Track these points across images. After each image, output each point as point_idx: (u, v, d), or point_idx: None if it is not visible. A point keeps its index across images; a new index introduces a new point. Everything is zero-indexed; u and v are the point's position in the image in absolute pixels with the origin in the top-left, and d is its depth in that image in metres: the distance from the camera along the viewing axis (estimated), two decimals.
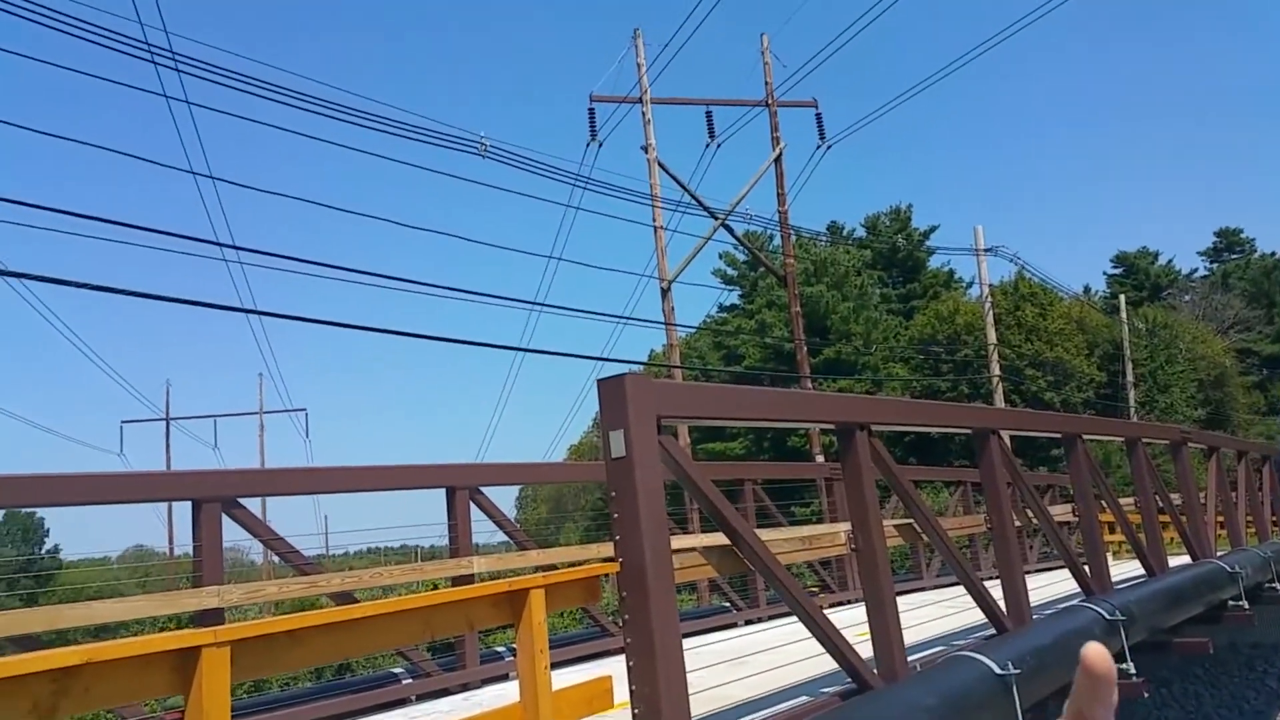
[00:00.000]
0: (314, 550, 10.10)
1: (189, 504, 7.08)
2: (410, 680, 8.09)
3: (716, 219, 22.32)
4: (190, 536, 7.22)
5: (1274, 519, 14.35)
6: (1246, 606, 10.86)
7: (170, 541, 36.05)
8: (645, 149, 21.56)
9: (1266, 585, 12.18)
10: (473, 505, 8.99)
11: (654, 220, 21.37)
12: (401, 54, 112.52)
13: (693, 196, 22.01)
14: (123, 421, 41.90)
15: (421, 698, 7.79)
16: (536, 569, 9.46)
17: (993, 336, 29.27)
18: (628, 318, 23.15)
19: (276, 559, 8.77)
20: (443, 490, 8.76)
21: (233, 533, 7.34)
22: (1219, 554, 11.95)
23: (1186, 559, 11.48)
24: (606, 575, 5.35)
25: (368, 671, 11.32)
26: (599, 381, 4.81)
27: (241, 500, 7.26)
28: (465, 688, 8.02)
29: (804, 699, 5.49)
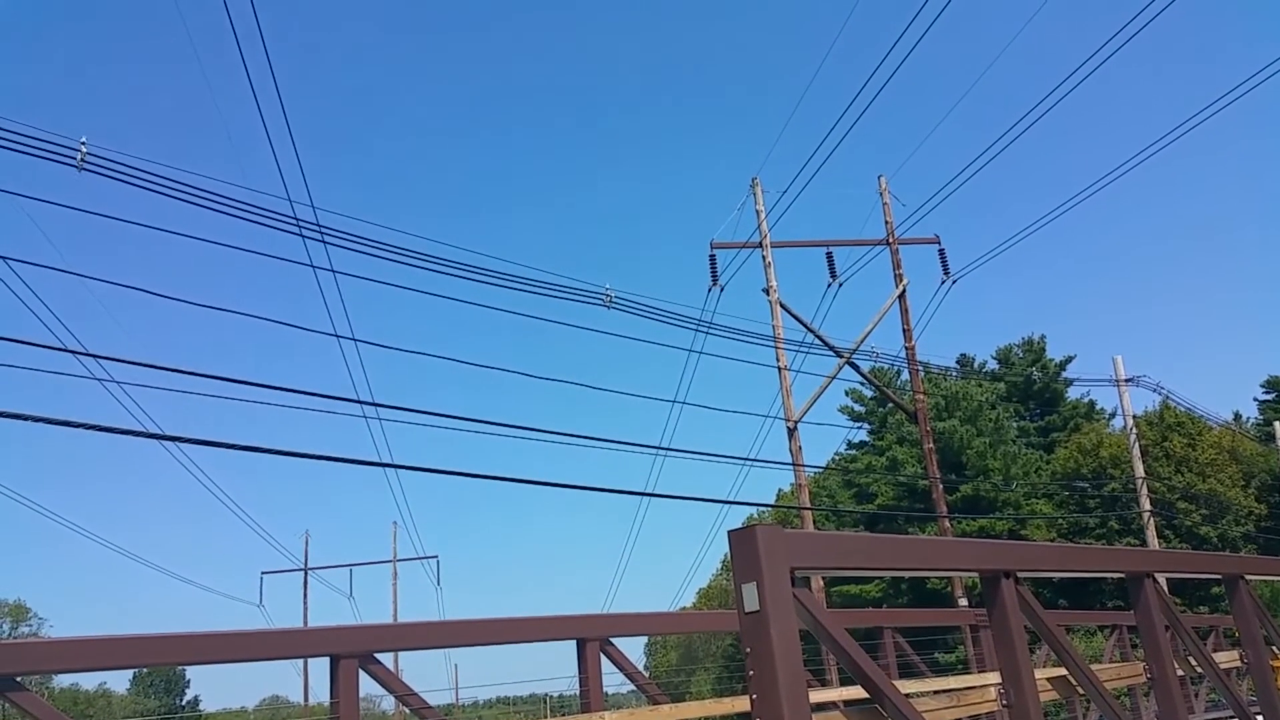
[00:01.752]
0: (444, 699, 10.18)
1: (328, 660, 7.29)
2: None
3: (841, 357, 22.27)
4: (325, 687, 7.40)
5: None
6: None
7: (305, 692, 36.68)
8: (767, 291, 21.92)
9: None
10: (603, 656, 8.92)
11: (778, 361, 21.47)
12: (531, 215, 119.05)
13: (816, 335, 22.11)
14: (263, 572, 43.58)
15: None
16: None
17: (1140, 469, 27.67)
18: (754, 459, 22.99)
19: (408, 710, 8.84)
20: (573, 640, 8.75)
21: (366, 685, 7.48)
22: None
23: None
24: None
25: None
26: (730, 533, 4.81)
27: (377, 655, 7.43)
28: None
29: None
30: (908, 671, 11.73)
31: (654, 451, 17.19)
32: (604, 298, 16.24)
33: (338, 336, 14.10)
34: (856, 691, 6.28)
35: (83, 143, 11.85)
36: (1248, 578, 9.02)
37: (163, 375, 10.46)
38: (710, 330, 19.46)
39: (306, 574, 44.03)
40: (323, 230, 13.58)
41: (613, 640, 9.14)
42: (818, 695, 9.26)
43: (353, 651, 7.19)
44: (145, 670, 64.04)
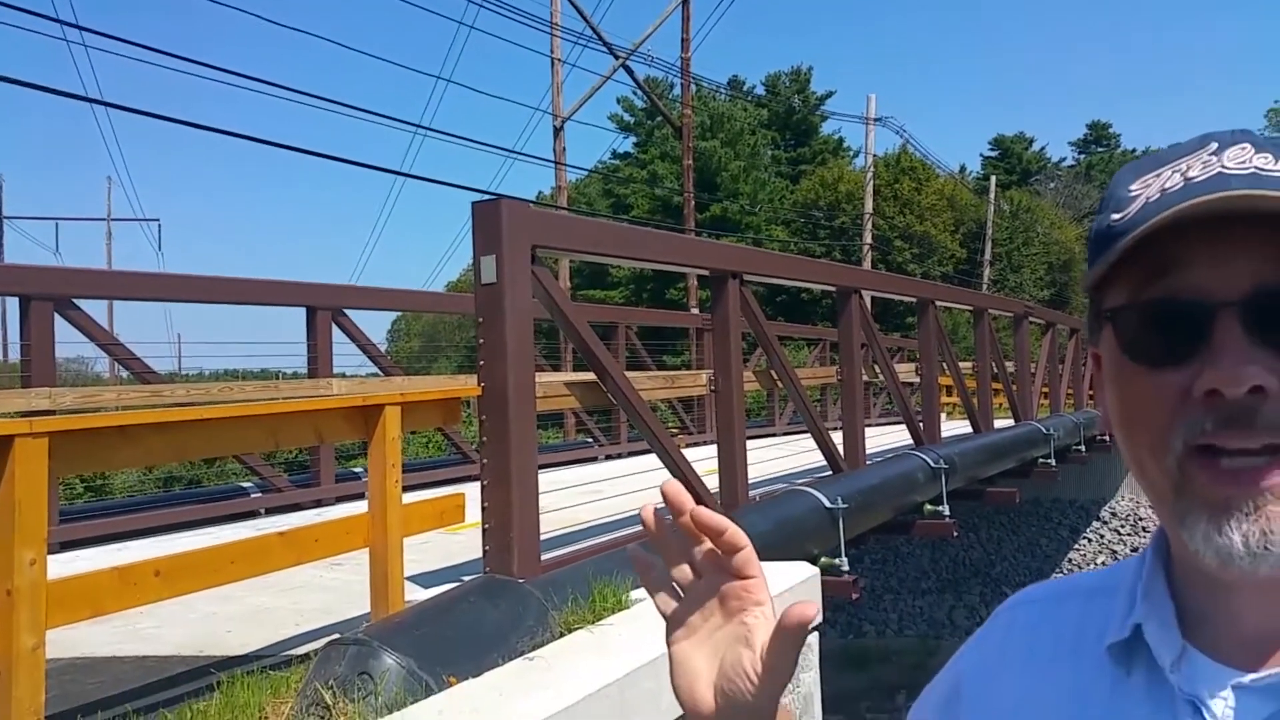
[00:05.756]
0: (165, 368, 9.75)
1: (18, 301, 6.63)
2: (259, 494, 8.02)
3: (617, 58, 21.55)
4: (19, 337, 6.79)
5: (1090, 392, 15.58)
6: (1054, 465, 11.91)
7: (4, 345, 33.97)
8: None
9: (1074, 447, 13.35)
10: (336, 329, 8.77)
11: (552, 51, 20.44)
12: None
13: (594, 30, 21.10)
14: None
15: (271, 512, 7.76)
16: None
17: (870, 206, 29.91)
18: (517, 152, 22.49)
19: (126, 374, 8.39)
20: (303, 310, 8.49)
21: (72, 339, 6.94)
22: (1039, 418, 12.95)
23: (1012, 421, 12.41)
24: (468, 400, 5.33)
25: (217, 484, 11.19)
26: (474, 204, 4.68)
27: (78, 302, 6.84)
28: (319, 504, 8.03)
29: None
30: (637, 365, 12.56)
31: (413, 129, 16.30)
32: None
33: None
34: (586, 377, 6.64)
35: None
36: (937, 303, 10.21)
37: None
38: (484, 4, 18.01)
39: (1, 222, 39.43)
40: None
41: (347, 313, 8.97)
42: (547, 377, 9.72)
43: (48, 293, 6.55)
44: None
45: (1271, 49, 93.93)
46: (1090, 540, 17.36)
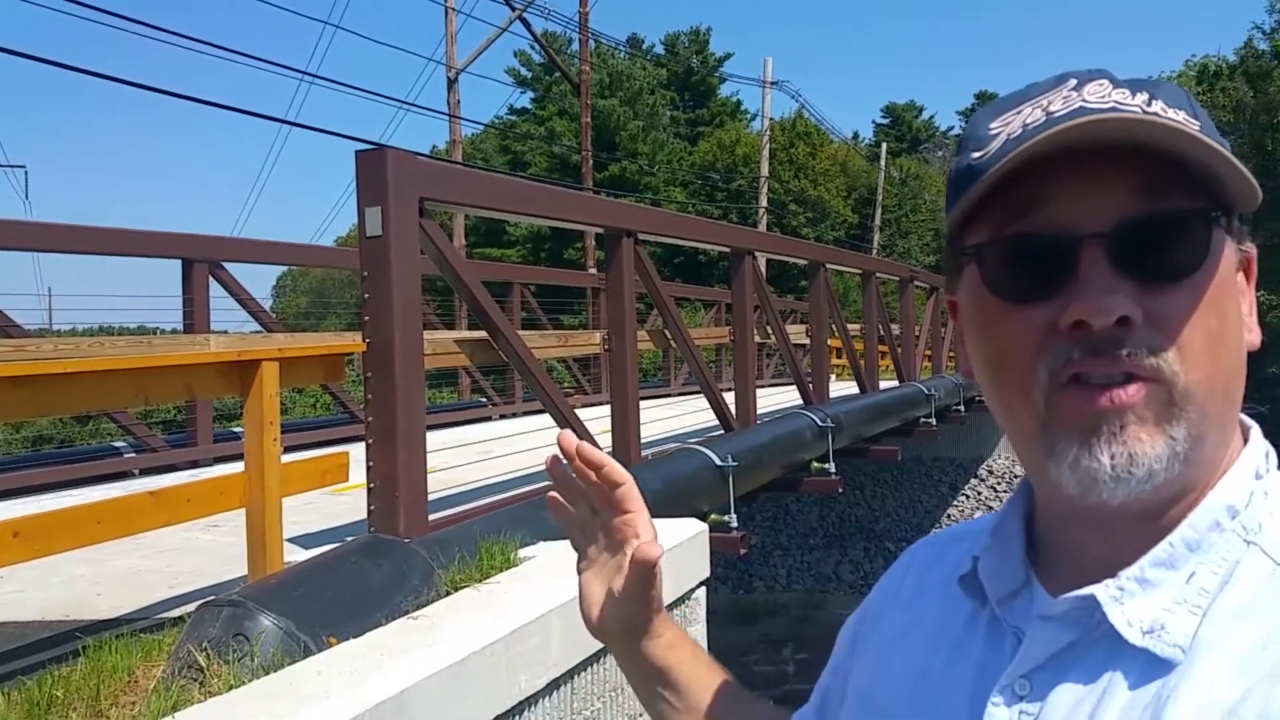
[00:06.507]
0: (34, 322, 9.20)
1: None
2: (133, 454, 7.66)
3: (514, 9, 21.07)
4: None
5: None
6: (934, 424, 12.37)
7: None
8: None
9: (954, 407, 13.89)
10: (214, 283, 8.39)
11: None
12: None
13: None
14: None
15: (146, 473, 7.42)
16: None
17: (766, 170, 30.23)
18: (410, 103, 21.84)
19: None
20: (179, 263, 8.09)
21: None
22: (921, 379, 13.42)
23: (896, 382, 12.83)
24: (351, 357, 5.19)
25: (89, 444, 10.65)
26: (358, 153, 4.51)
27: None
28: (195, 465, 7.72)
29: (544, 483, 5.72)
30: (532, 325, 12.45)
31: (300, 76, 15.61)
32: None
33: None
34: (478, 335, 6.55)
35: None
36: (828, 266, 10.42)
37: None
38: None
39: None
40: None
41: (226, 266, 8.60)
42: (437, 334, 9.55)
43: None
44: None
45: (1156, 20, 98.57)
46: (968, 497, 18.17)
